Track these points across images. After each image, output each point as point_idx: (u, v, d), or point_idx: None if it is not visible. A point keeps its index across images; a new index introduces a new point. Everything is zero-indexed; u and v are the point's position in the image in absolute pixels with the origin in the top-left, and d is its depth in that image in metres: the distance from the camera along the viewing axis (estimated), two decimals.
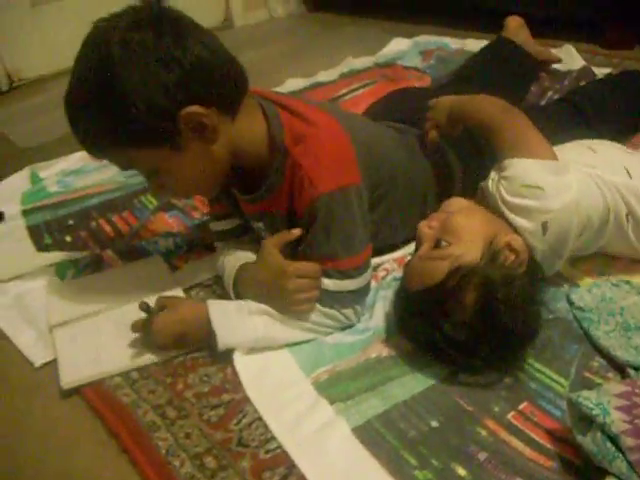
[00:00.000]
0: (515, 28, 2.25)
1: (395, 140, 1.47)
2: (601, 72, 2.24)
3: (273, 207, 1.29)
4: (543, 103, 2.09)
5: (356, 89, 2.45)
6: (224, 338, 1.21)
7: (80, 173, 2.10)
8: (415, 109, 1.61)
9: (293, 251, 1.26)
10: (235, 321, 1.23)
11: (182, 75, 1.07)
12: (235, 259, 1.36)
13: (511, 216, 1.20)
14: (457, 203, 1.27)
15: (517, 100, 2.02)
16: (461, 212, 1.23)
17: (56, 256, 1.64)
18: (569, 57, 2.39)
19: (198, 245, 1.60)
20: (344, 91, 2.44)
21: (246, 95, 1.20)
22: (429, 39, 2.86)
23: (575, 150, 1.39)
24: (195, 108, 1.10)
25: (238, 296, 1.31)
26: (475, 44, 2.62)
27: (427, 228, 1.21)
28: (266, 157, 1.23)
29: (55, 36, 3.22)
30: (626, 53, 2.46)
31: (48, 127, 2.62)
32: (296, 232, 1.24)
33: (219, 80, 1.13)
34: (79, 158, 2.17)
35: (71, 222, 1.82)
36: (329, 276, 1.23)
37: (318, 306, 1.24)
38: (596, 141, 1.44)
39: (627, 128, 1.78)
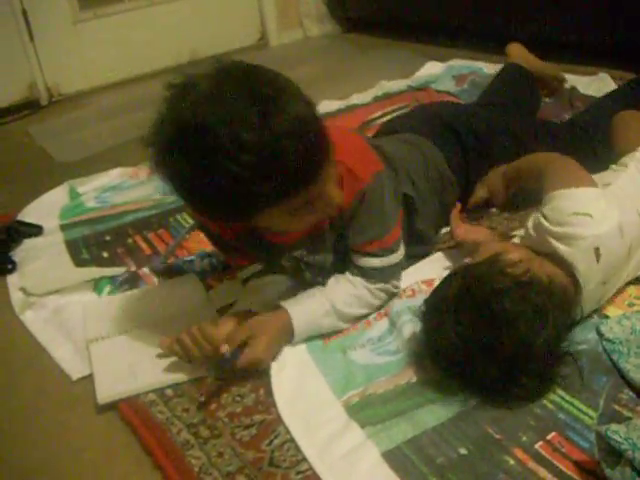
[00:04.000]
0: (517, 54, 2.30)
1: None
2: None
3: (315, 227, 1.32)
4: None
5: (389, 112, 2.47)
6: (300, 336, 1.32)
7: (117, 189, 2.15)
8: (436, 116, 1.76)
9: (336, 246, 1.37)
10: (312, 321, 1.33)
11: None
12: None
13: (561, 247, 1.21)
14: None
15: (531, 114, 2.09)
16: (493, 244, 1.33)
17: (94, 272, 1.68)
18: (604, 85, 2.41)
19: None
20: (378, 114, 2.46)
21: None
22: (463, 63, 2.88)
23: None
24: None
25: None
26: None
27: None
28: None
29: (95, 52, 3.31)
30: None
31: (86, 142, 2.70)
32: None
33: None
34: (117, 174, 2.23)
35: (108, 238, 1.87)
36: (376, 255, 1.34)
37: (370, 285, 1.36)
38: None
39: None
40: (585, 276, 1.21)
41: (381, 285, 1.38)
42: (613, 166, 1.47)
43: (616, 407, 1.12)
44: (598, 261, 1.20)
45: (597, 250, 1.19)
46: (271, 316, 1.31)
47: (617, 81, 2.42)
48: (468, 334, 1.11)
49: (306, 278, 1.41)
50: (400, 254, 1.39)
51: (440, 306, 1.18)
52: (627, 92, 2.04)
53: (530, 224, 1.30)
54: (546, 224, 1.24)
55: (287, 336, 1.31)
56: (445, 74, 2.78)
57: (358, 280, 1.36)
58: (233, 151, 1.02)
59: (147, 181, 2.16)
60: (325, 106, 2.59)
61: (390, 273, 1.39)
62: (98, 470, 1.16)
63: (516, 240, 1.39)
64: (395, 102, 2.58)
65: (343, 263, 1.38)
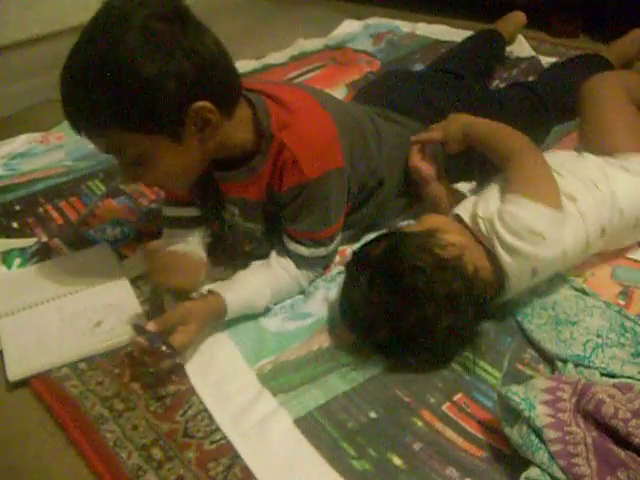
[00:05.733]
0: (516, 22, 2.36)
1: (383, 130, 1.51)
2: (547, 61, 2.29)
3: (249, 194, 1.33)
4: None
5: (305, 72, 2.46)
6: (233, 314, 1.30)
7: (27, 156, 2.07)
8: (411, 97, 1.70)
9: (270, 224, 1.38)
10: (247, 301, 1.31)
11: (199, 69, 1.12)
12: None
13: (503, 254, 1.17)
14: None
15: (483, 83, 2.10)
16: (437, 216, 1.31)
17: (3, 244, 1.63)
18: (519, 45, 2.45)
19: (146, 233, 1.61)
20: (294, 74, 2.44)
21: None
22: (380, 22, 2.87)
23: None
24: (206, 104, 1.14)
25: None
26: (426, 28, 2.68)
27: None
28: (251, 145, 1.28)
29: (3, 7, 3.16)
30: (571, 42, 2.51)
31: None
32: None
33: (226, 80, 1.19)
34: (25, 140, 2.15)
35: (18, 207, 1.81)
36: (305, 245, 1.34)
37: (294, 269, 1.35)
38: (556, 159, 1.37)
39: None
40: (513, 286, 1.21)
41: (308, 272, 1.38)
42: (584, 154, 1.41)
43: (519, 366, 1.16)
44: (532, 279, 1.21)
45: (534, 270, 1.19)
46: (205, 303, 1.27)
47: (530, 41, 2.46)
48: (376, 298, 1.13)
49: (228, 241, 1.44)
50: (332, 248, 1.38)
51: (361, 262, 1.20)
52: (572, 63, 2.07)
53: (481, 211, 1.24)
54: (498, 226, 1.18)
55: (216, 320, 1.29)
56: (362, 33, 2.77)
57: (291, 266, 1.35)
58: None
59: (58, 147, 2.10)
60: (240, 66, 2.50)
61: (317, 263, 1.39)
62: (10, 450, 1.14)
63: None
64: (312, 62, 2.56)
65: (276, 234, 1.39)
